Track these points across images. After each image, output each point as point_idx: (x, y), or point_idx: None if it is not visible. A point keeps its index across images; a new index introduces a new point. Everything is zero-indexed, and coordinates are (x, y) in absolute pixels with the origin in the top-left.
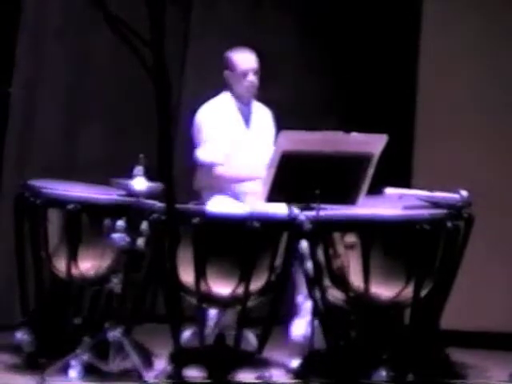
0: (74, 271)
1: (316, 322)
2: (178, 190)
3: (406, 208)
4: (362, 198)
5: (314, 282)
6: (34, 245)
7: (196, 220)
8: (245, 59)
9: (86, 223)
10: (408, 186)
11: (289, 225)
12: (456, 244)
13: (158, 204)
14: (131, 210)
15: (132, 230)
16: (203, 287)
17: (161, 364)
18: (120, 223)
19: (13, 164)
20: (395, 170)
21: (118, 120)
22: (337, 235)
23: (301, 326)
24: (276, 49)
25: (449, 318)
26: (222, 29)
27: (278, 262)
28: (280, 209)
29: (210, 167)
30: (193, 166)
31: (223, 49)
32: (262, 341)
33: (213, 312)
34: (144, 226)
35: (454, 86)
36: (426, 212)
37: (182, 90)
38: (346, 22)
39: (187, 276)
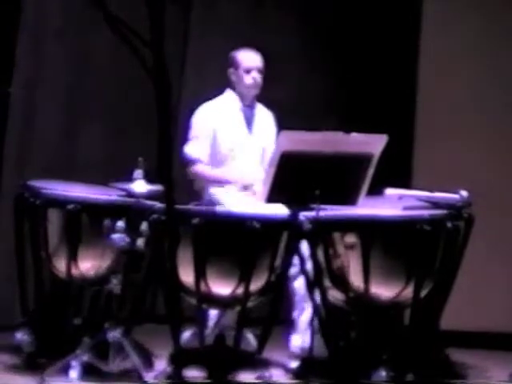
0: (73, 271)
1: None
2: (178, 191)
3: (405, 208)
4: (362, 199)
5: (313, 283)
6: (33, 245)
7: (196, 220)
8: (249, 57)
9: (85, 223)
10: (408, 186)
11: (289, 225)
12: (456, 244)
13: (158, 204)
14: (131, 211)
15: (132, 230)
16: (203, 287)
17: (161, 364)
18: (120, 224)
19: (13, 164)
20: (395, 171)
21: (118, 120)
22: (337, 235)
23: (298, 340)
24: (277, 49)
25: (449, 318)
26: (222, 29)
27: (278, 262)
28: (280, 209)
29: (191, 163)
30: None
31: (223, 49)
32: (262, 341)
33: (213, 312)
34: (144, 226)
35: (453, 85)
36: (425, 212)
37: (181, 89)
38: (346, 22)
39: (187, 276)
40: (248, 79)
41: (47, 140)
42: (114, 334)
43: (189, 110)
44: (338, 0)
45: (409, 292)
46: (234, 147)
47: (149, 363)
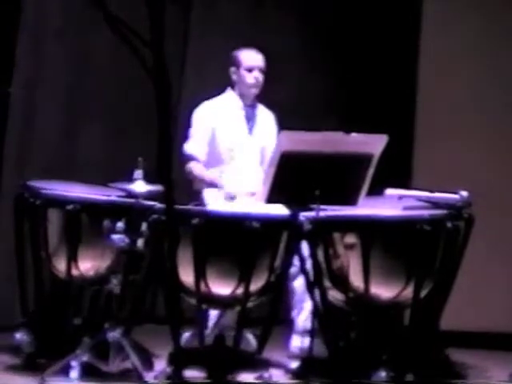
0: (73, 271)
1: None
2: (178, 191)
3: (405, 208)
4: (362, 199)
5: (313, 283)
6: (33, 245)
7: (196, 220)
8: (251, 56)
9: (85, 224)
10: (408, 186)
11: (289, 225)
12: (456, 244)
13: (158, 205)
14: (131, 211)
15: (132, 230)
16: (203, 288)
17: (160, 365)
18: (120, 224)
19: (13, 164)
20: (395, 171)
21: (118, 120)
22: (337, 235)
23: (297, 340)
24: (277, 49)
25: (449, 318)
26: (222, 29)
27: (278, 262)
28: (280, 209)
29: (187, 160)
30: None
31: (223, 49)
32: (262, 341)
33: (213, 313)
34: (144, 226)
35: (454, 85)
36: (426, 212)
37: (181, 89)
38: (346, 22)
39: (187, 276)
40: (249, 78)
41: (47, 140)
42: (114, 334)
43: (189, 110)
44: (338, 0)
45: (409, 292)
46: (234, 147)
47: (149, 363)
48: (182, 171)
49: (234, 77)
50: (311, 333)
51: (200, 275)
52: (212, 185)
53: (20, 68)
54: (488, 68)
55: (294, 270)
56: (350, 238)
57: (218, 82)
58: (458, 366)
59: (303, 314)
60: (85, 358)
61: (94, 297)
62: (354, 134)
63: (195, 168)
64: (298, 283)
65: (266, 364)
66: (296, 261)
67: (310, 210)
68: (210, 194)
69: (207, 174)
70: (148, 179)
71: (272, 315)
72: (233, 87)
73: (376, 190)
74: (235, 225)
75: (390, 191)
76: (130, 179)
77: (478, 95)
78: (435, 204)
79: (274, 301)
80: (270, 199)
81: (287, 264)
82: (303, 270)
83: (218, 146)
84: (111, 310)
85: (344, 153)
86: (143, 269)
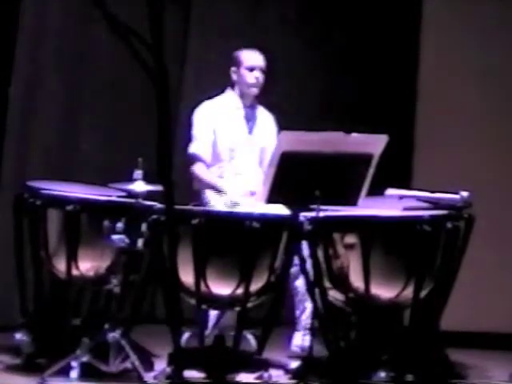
0: (73, 272)
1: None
2: (178, 191)
3: (406, 209)
4: (362, 199)
5: (313, 283)
6: (33, 245)
7: (196, 220)
8: (252, 56)
9: (85, 224)
10: (408, 186)
11: (289, 225)
12: (456, 244)
13: (158, 205)
14: (131, 211)
15: (131, 231)
16: (203, 288)
17: (160, 365)
18: (119, 225)
19: (13, 164)
20: (395, 171)
21: (118, 120)
22: (337, 236)
23: (299, 338)
24: (277, 49)
25: (449, 318)
26: (222, 29)
27: (278, 262)
28: (280, 209)
29: (192, 161)
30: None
31: (223, 49)
32: (262, 342)
33: (213, 313)
34: (144, 226)
35: (454, 86)
36: (426, 213)
37: (181, 90)
38: (346, 23)
39: (187, 277)
40: (250, 78)
41: (47, 140)
42: (114, 335)
43: (189, 110)
44: (338, 0)
45: (409, 292)
46: (234, 147)
47: (148, 363)
48: (183, 172)
49: (235, 77)
50: (311, 333)
51: (200, 275)
52: (215, 189)
53: (20, 68)
54: (488, 68)
55: (295, 269)
56: (350, 239)
57: (218, 81)
58: (457, 366)
59: (306, 313)
60: (85, 359)
61: (93, 297)
62: (354, 134)
63: (200, 170)
64: (301, 282)
65: (266, 364)
66: (297, 260)
67: (310, 210)
68: (212, 195)
69: (212, 177)
70: (148, 179)
71: (272, 315)
72: (233, 87)
73: (376, 191)
74: (235, 225)
75: (390, 191)
76: (130, 179)
77: (478, 95)
78: (435, 204)
79: (274, 301)
80: (270, 199)
81: (287, 264)
82: (303, 270)
83: (218, 146)
84: (111, 310)
85: (344, 153)
86: (143, 269)
